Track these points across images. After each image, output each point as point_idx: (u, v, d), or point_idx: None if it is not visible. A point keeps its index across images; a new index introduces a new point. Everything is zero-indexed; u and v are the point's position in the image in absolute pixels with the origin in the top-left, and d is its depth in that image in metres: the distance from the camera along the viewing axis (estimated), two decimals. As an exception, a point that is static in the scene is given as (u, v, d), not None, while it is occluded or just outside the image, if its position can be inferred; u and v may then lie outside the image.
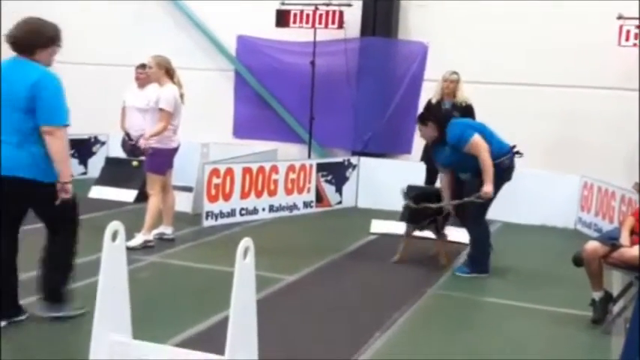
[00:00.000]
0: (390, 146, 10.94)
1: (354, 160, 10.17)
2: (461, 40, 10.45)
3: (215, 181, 8.41)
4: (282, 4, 10.76)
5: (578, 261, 5.44)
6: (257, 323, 3.00)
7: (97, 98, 11.57)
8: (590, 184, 9.08)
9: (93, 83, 11.86)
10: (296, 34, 10.89)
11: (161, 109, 7.02)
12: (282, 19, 10.72)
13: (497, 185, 6.65)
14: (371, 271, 6.82)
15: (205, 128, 10.83)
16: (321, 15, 10.55)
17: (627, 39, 9.29)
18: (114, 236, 3.06)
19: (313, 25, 10.62)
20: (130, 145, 9.56)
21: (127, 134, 9.66)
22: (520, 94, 10.36)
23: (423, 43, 10.67)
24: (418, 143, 9.07)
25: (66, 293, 4.85)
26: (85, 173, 11.08)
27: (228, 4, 11.63)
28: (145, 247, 7.01)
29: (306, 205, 9.58)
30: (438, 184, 7.67)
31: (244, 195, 8.78)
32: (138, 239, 7.01)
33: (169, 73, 7.14)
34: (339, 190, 9.99)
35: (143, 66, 8.68)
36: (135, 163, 9.48)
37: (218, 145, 10.37)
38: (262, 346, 3.01)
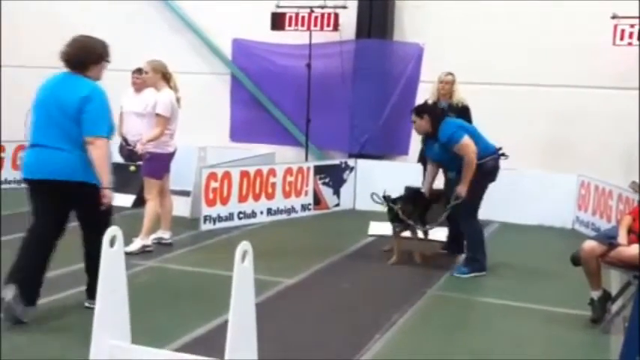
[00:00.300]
0: (387, 148, 10.95)
1: (351, 162, 10.18)
2: (456, 40, 10.46)
3: (213, 184, 8.41)
4: (278, 6, 10.77)
5: (576, 260, 5.45)
6: (256, 327, 3.00)
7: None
8: (588, 183, 9.09)
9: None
10: (291, 36, 10.90)
11: (158, 114, 7.02)
12: (278, 22, 10.74)
13: (482, 185, 6.88)
14: (370, 273, 6.82)
15: (202, 132, 10.81)
16: (316, 17, 10.56)
17: (622, 38, 9.31)
18: (112, 242, 3.06)
19: (309, 28, 10.63)
20: (127, 149, 9.54)
21: (125, 139, 9.64)
22: (516, 95, 10.37)
23: (418, 44, 10.68)
24: (415, 145, 9.07)
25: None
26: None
27: (223, 8, 11.64)
28: (144, 251, 7.01)
29: (304, 207, 9.58)
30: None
31: (242, 198, 8.78)
32: (136, 244, 7.01)
33: (166, 77, 7.15)
34: (336, 193, 9.99)
35: (139, 71, 8.66)
36: (132, 167, 9.45)
37: (215, 148, 10.35)
38: (262, 349, 3.01)
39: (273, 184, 9.17)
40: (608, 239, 5.36)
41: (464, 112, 8.31)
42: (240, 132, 11.92)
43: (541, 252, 7.97)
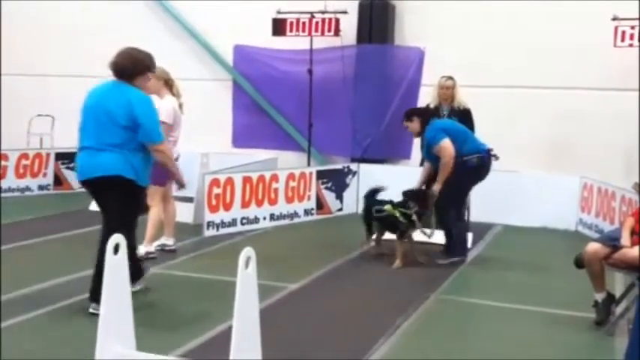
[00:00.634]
0: (389, 152, 10.96)
1: (353, 166, 10.18)
2: (457, 43, 10.48)
3: (215, 190, 8.42)
4: (279, 12, 10.79)
5: (579, 263, 5.44)
6: (260, 332, 3.00)
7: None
8: (590, 184, 9.08)
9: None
10: (293, 42, 10.92)
11: (161, 122, 7.01)
12: (279, 27, 10.76)
13: (461, 180, 7.21)
14: (373, 277, 6.82)
15: (204, 138, 10.84)
16: (317, 23, 10.59)
17: (623, 40, 9.31)
18: (116, 249, 3.07)
19: (310, 33, 10.65)
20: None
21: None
22: (517, 97, 10.38)
23: (419, 48, 10.70)
24: (417, 148, 9.08)
25: (136, 271, 5.31)
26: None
27: (224, 14, 11.68)
28: (147, 258, 7.00)
29: (307, 212, 9.59)
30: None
31: (245, 204, 8.79)
32: (140, 251, 6.99)
33: (168, 84, 7.15)
34: (339, 197, 10.00)
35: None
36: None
37: (217, 154, 10.36)
38: (266, 354, 3.02)
39: (276, 190, 9.18)
40: (612, 241, 5.35)
41: (465, 115, 8.33)
42: (242, 138, 11.94)
43: (544, 254, 7.95)
